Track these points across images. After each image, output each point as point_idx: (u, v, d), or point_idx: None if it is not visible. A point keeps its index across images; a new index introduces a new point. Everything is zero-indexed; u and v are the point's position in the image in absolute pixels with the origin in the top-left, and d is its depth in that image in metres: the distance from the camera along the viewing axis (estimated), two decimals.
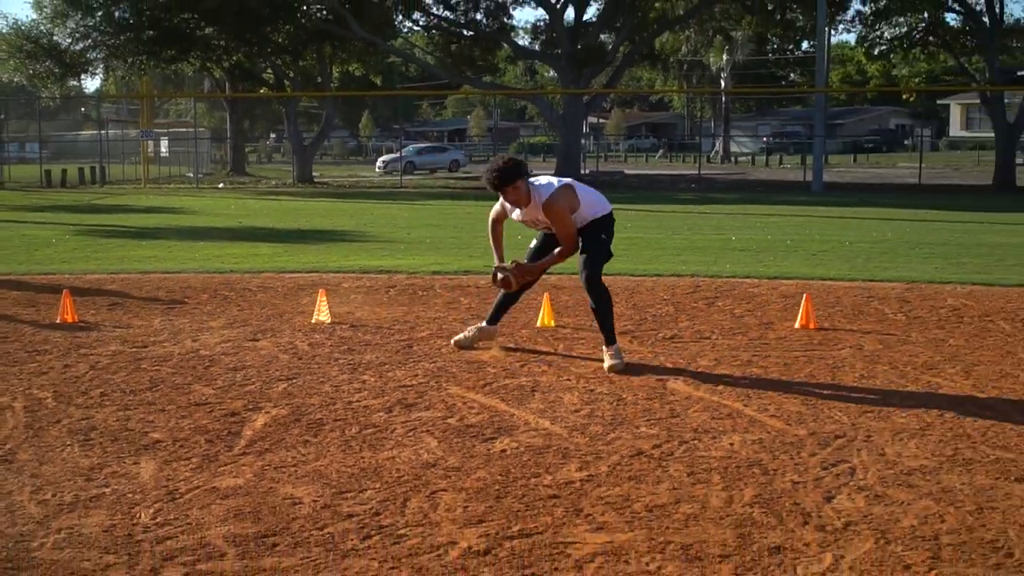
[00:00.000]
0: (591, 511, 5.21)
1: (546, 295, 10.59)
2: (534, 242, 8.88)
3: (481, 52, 49.41)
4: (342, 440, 6.37)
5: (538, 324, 10.06)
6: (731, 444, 6.33)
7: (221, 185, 46.39)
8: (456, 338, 9.18)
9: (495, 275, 8.66)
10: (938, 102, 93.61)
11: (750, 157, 77.98)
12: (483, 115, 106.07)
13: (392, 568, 4.54)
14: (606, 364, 8.29)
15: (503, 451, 6.17)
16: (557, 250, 8.51)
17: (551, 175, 10.02)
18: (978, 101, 59.10)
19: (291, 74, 52.48)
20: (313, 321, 10.24)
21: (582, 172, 47.55)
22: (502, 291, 9.05)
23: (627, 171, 56.73)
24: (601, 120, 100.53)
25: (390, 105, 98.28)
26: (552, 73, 54.07)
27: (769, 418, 6.88)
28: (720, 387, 7.70)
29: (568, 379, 7.91)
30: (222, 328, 9.99)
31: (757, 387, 7.72)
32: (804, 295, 10.42)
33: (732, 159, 78.61)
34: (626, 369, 8.24)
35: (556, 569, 4.54)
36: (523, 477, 5.72)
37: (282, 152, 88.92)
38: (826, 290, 12.64)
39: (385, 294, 12.18)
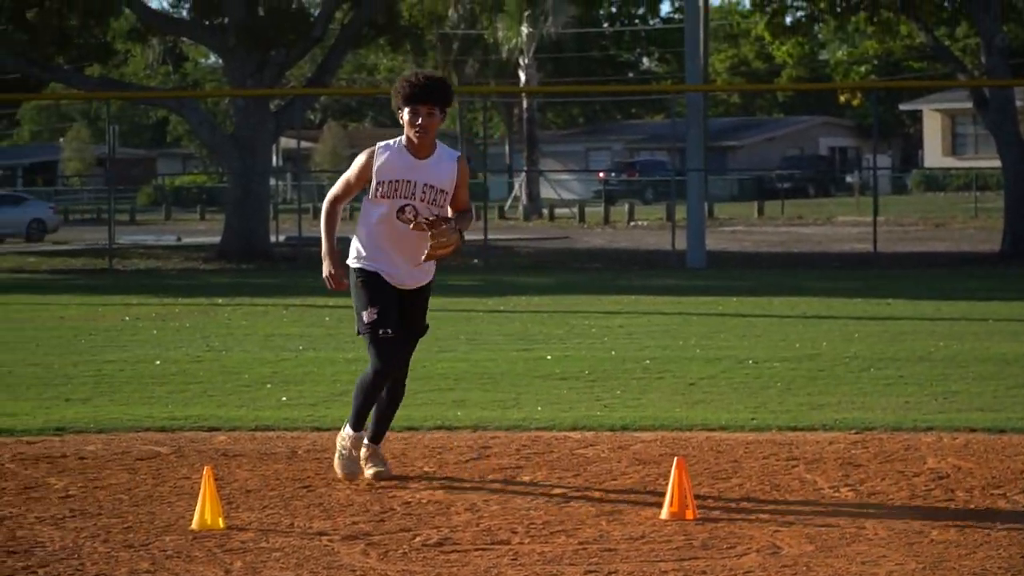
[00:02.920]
0: None
1: None
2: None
3: (81, 24, 22.51)
4: None
5: None
6: None
7: None
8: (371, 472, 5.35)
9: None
10: (901, 107, 50.29)
11: (576, 209, 38.16)
12: (88, 136, 50.65)
13: None
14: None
15: None
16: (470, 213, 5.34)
17: None
18: (969, 105, 28.93)
19: None
20: None
21: (272, 240, 24.49)
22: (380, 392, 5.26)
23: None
24: (304, 144, 39.86)
25: None
26: (213, 59, 30.21)
27: None
28: None
29: None
30: None
31: None
32: (675, 460, 4.90)
33: (545, 212, 39.95)
34: None
35: None
36: None
37: None
38: (713, 447, 6.30)
39: None
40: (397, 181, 5.07)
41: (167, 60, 27.08)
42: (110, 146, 29.28)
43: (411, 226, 5.00)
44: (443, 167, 5.16)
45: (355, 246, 5.21)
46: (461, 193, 5.24)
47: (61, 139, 51.78)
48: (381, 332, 5.03)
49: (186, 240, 28.94)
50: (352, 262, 5.19)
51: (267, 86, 22.69)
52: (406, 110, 5.07)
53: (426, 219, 4.99)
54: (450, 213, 5.18)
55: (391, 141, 5.19)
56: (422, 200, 5.09)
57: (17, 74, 23.07)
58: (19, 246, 29.22)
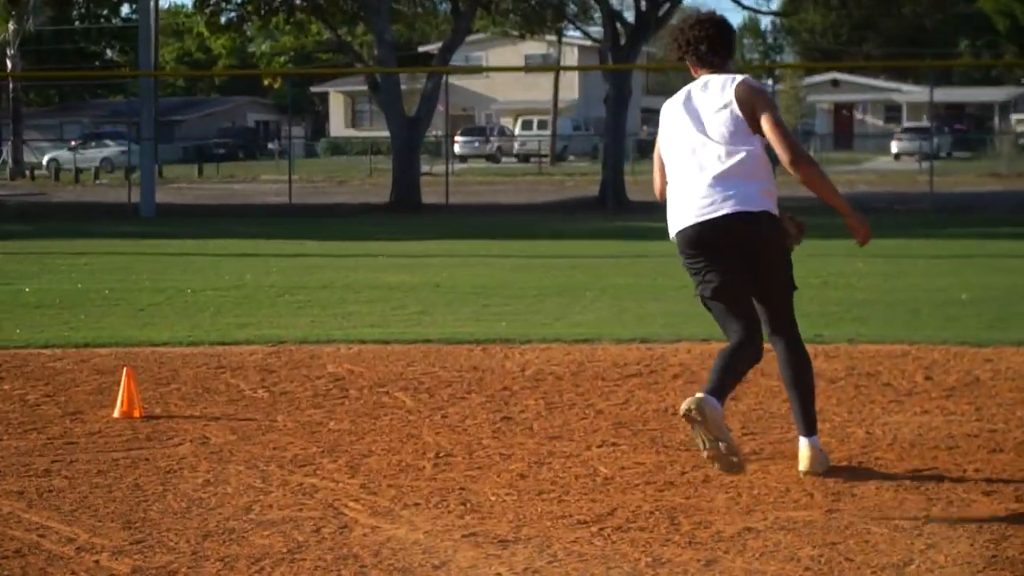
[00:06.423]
0: None
1: None
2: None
3: None
4: None
5: None
6: None
7: None
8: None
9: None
10: (312, 90, 62.54)
11: (53, 170, 46.65)
12: None
13: None
14: (804, 464, 4.59)
15: None
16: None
17: None
18: (365, 88, 36.72)
19: None
20: None
21: None
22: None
23: None
24: None
25: None
26: None
27: (85, 555, 4.05)
28: (5, 518, 4.47)
29: None
30: None
31: (65, 510, 4.58)
32: (124, 369, 6.37)
33: (28, 173, 47.09)
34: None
35: None
36: None
37: None
38: (156, 360, 7.93)
39: None
40: None
41: None
42: None
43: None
44: None
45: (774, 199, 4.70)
46: None
47: None
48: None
49: None
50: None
51: None
52: None
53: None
54: None
55: None
56: None
57: None
58: None
